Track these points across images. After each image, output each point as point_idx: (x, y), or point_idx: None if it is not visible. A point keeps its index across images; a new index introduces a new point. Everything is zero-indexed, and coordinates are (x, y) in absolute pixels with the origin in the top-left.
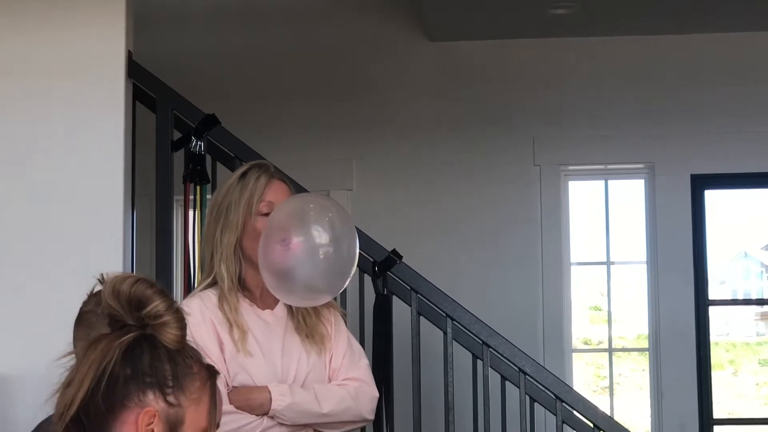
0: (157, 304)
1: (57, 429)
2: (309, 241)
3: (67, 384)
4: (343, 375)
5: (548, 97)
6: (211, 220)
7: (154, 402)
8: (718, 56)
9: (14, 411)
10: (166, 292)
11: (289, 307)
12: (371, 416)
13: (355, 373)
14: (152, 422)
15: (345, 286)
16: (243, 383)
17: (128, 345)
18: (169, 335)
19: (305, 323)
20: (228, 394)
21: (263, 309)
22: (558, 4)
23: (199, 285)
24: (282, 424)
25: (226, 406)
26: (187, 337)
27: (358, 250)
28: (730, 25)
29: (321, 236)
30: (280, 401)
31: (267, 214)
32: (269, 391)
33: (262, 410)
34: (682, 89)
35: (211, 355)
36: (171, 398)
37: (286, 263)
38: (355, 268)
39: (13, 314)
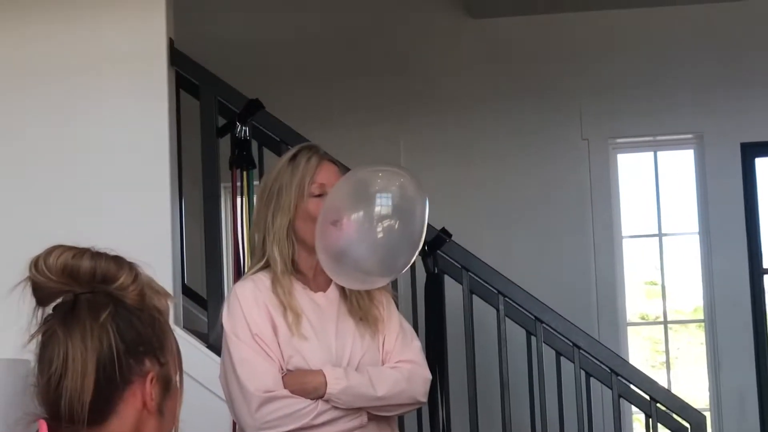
0: (123, 279)
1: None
2: (365, 219)
3: (60, 376)
4: (396, 357)
5: (594, 70)
6: (261, 204)
7: (150, 367)
8: (764, 21)
9: None
10: (118, 258)
11: (342, 290)
12: (424, 398)
13: (408, 355)
14: (153, 388)
15: (412, 260)
16: (297, 366)
17: (113, 320)
18: (134, 297)
19: (359, 306)
20: (283, 377)
21: (316, 291)
22: None
23: (251, 268)
24: (336, 408)
25: (282, 390)
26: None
27: (426, 220)
28: None
29: (386, 210)
30: (335, 385)
31: (319, 196)
32: (324, 375)
33: (317, 394)
34: (728, 57)
35: (266, 338)
36: (161, 358)
37: (338, 244)
38: (422, 241)
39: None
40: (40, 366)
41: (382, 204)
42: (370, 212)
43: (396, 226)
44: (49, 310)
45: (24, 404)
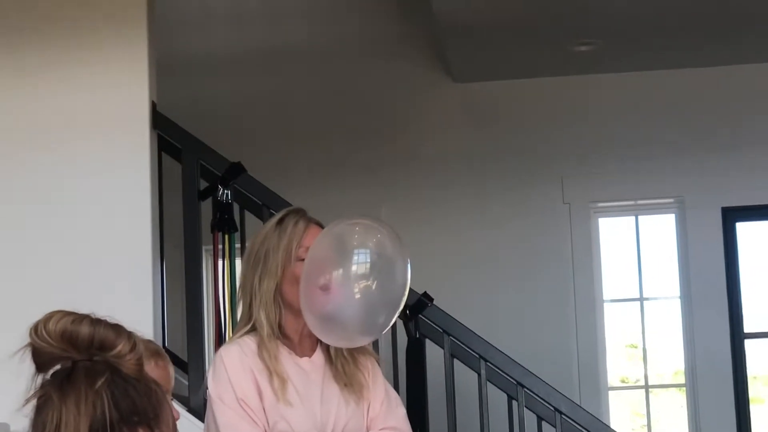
0: (121, 347)
1: None
2: (350, 280)
3: None
4: (381, 424)
5: (574, 134)
6: (248, 268)
7: None
8: (746, 88)
9: None
10: (117, 326)
11: (327, 355)
12: None
13: (392, 422)
14: None
15: (393, 320)
16: None
17: (109, 388)
18: (132, 366)
19: (344, 371)
20: None
21: (301, 356)
22: (580, 41)
23: (237, 332)
24: None
25: None
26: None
27: (409, 275)
28: (760, 56)
29: (365, 268)
30: None
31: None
32: None
33: None
34: (709, 122)
35: (251, 403)
36: (155, 429)
37: (326, 308)
38: (406, 295)
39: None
40: (34, 429)
41: (360, 262)
42: (349, 272)
43: (374, 285)
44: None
45: None
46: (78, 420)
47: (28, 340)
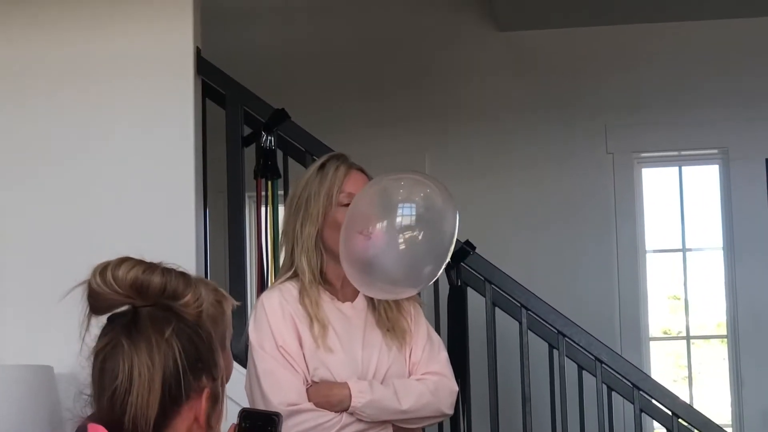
0: (189, 297)
1: None
2: (394, 230)
3: (125, 390)
4: (423, 369)
5: (619, 84)
6: (290, 214)
7: (206, 383)
8: None
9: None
10: (186, 276)
11: (370, 300)
12: (450, 411)
13: (435, 367)
14: (207, 404)
15: (440, 272)
16: (323, 378)
17: (177, 337)
18: (193, 314)
19: (386, 317)
20: (307, 389)
21: (343, 302)
22: None
23: (279, 278)
24: (361, 420)
25: (306, 403)
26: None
27: (457, 226)
28: None
29: (410, 220)
30: (359, 398)
31: (347, 205)
32: (349, 388)
33: (342, 407)
34: (755, 73)
35: (291, 350)
36: (214, 374)
37: (367, 253)
38: (452, 246)
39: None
40: (101, 377)
41: (406, 215)
42: (393, 222)
43: (420, 236)
44: (102, 319)
45: (48, 409)
46: (152, 371)
47: (83, 280)
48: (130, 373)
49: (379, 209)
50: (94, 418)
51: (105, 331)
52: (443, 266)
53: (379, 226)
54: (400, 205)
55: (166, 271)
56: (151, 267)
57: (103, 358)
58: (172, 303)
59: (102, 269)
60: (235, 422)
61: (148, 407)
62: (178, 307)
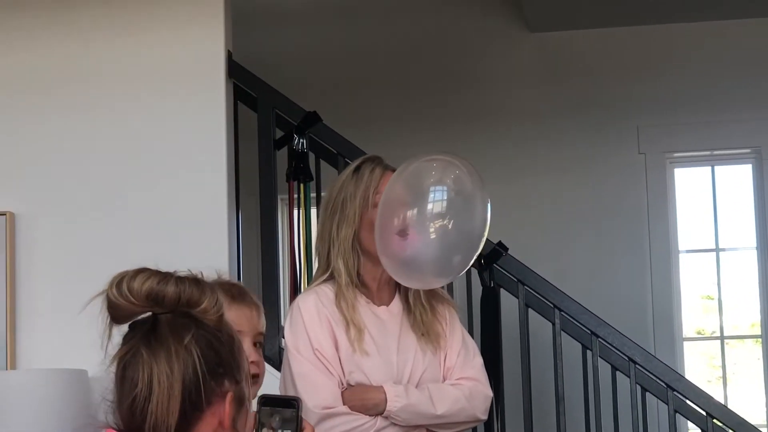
0: (206, 304)
1: None
2: (426, 221)
3: (145, 398)
4: (458, 374)
5: (651, 84)
6: (326, 216)
7: (229, 387)
8: None
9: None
10: (200, 282)
11: (405, 303)
12: (484, 416)
13: (470, 372)
14: (231, 407)
15: (471, 262)
16: (358, 382)
17: (197, 343)
18: (213, 318)
19: (422, 321)
20: (343, 393)
21: (379, 305)
22: None
23: (315, 280)
24: (396, 425)
25: (341, 406)
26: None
27: (489, 212)
28: None
29: (441, 206)
30: (395, 402)
31: None
32: (384, 392)
33: (377, 410)
34: None
35: (327, 354)
36: (237, 377)
37: (405, 254)
38: (485, 235)
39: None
40: (122, 385)
41: (437, 200)
42: (424, 212)
43: (450, 224)
44: (124, 327)
45: (83, 411)
46: (171, 378)
47: (101, 290)
48: (150, 381)
49: (410, 196)
50: (116, 425)
51: (126, 338)
52: (474, 256)
53: (410, 217)
54: (431, 189)
55: (180, 280)
56: (165, 278)
57: (124, 366)
58: (190, 311)
59: (118, 281)
60: (255, 410)
61: (168, 414)
62: (197, 313)
